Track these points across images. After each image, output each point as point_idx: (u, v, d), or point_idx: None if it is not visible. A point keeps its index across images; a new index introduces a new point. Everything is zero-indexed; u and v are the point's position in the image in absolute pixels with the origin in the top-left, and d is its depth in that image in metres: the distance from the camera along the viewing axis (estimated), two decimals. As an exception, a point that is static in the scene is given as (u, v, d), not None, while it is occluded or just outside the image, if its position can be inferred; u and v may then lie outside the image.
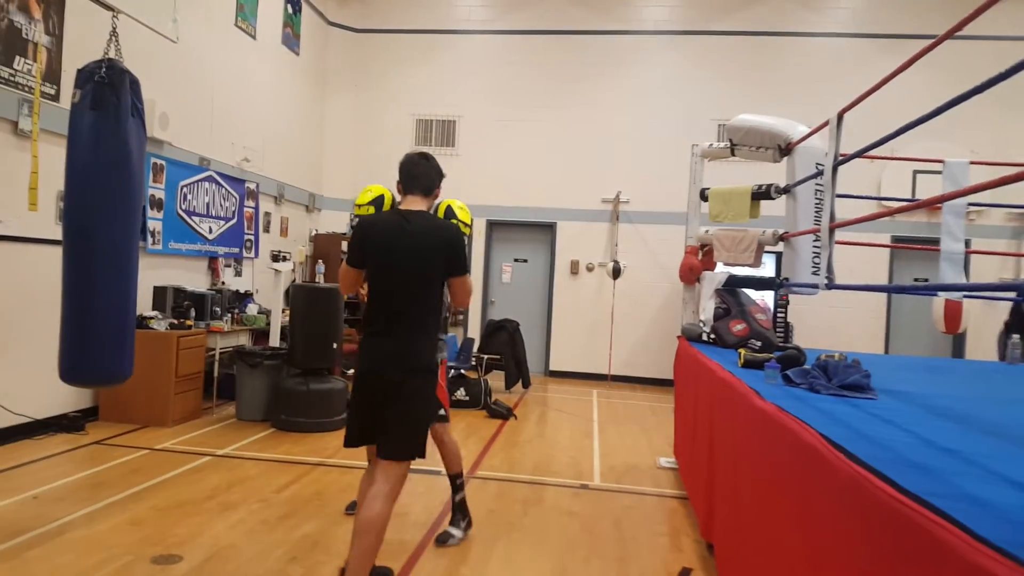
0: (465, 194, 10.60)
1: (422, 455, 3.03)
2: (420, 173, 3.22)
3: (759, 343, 4.30)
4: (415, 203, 3.19)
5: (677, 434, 5.55)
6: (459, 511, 4.01)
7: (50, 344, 5.07)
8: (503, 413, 7.39)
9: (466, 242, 3.28)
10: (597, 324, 10.46)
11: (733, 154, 5.53)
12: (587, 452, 6.12)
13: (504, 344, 9.05)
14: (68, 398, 5.88)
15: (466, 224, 3.43)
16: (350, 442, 3.09)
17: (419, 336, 3.03)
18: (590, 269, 10.59)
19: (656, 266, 10.29)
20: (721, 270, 5.64)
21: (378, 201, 3.59)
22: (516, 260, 11.02)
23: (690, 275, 5.75)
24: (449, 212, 3.41)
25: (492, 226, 10.93)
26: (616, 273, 9.88)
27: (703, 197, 5.79)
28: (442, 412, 3.95)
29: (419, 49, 10.96)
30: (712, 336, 4.97)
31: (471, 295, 3.21)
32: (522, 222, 10.82)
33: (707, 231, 5.81)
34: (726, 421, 3.26)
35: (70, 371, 3.51)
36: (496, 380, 8.94)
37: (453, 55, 10.89)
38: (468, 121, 10.86)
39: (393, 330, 3.01)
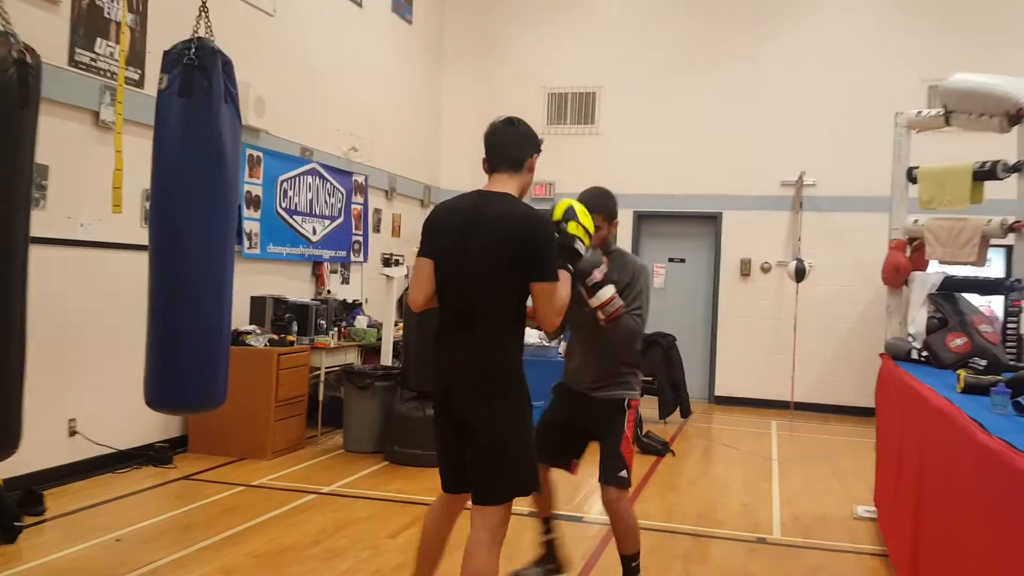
0: (607, 180, 10.53)
1: (523, 492, 3.02)
2: (504, 142, 3.13)
3: (984, 362, 4.13)
4: (500, 182, 3.11)
5: (879, 476, 5.36)
6: None
7: (135, 365, 5.49)
8: (657, 448, 7.34)
9: (579, 247, 3.13)
10: (776, 339, 10.20)
11: (948, 123, 5.32)
12: (764, 498, 6.03)
13: (657, 363, 8.96)
14: (154, 427, 6.31)
15: (587, 232, 3.18)
16: (445, 486, 3.15)
17: (498, 347, 3.01)
18: (766, 270, 10.36)
19: (852, 265, 9.91)
20: (935, 270, 5.47)
21: (569, 212, 3.22)
22: (671, 260, 10.95)
23: (896, 277, 5.60)
24: (569, 213, 3.17)
25: (640, 219, 10.90)
26: (800, 274, 9.58)
27: (911, 178, 5.63)
28: (623, 474, 3.69)
29: (550, 10, 11.11)
30: (924, 354, 4.80)
31: (561, 314, 2.98)
32: (678, 213, 10.73)
33: (917, 221, 5.62)
34: (939, 460, 3.12)
35: (157, 396, 3.75)
36: (648, 407, 8.86)
37: (590, 14, 10.97)
38: (610, 93, 10.89)
39: (466, 338, 3.01)
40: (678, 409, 9.06)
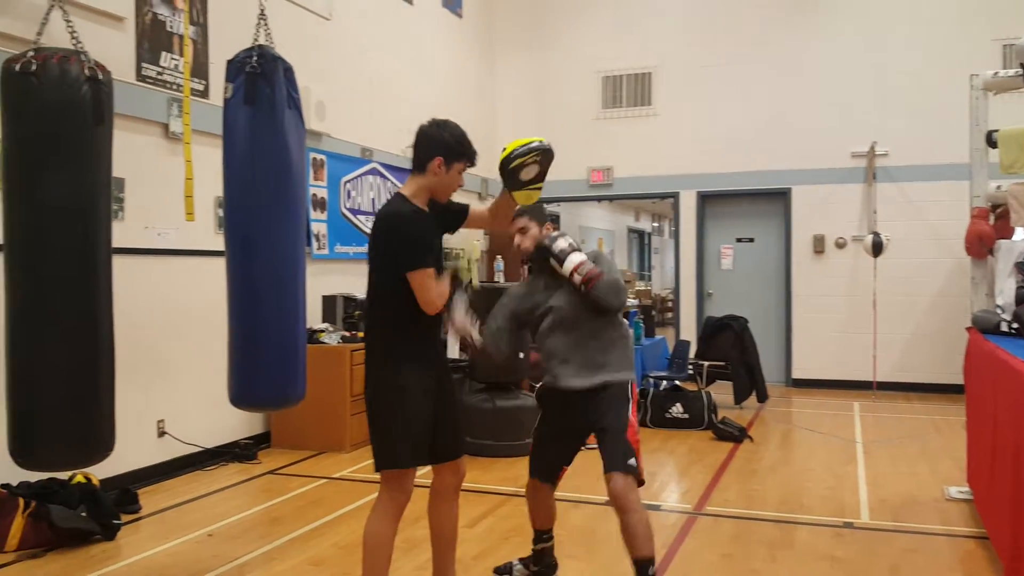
0: (667, 161, 10.66)
1: (388, 465, 3.30)
2: (414, 144, 3.39)
3: (1081, 331, 3.99)
4: (406, 183, 3.41)
5: (971, 456, 5.25)
6: None
7: (218, 366, 5.68)
8: (734, 434, 7.29)
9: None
10: (855, 317, 10.02)
11: (1028, 82, 5.21)
12: (850, 481, 5.95)
13: (730, 347, 8.89)
14: (239, 424, 6.57)
15: (511, 156, 3.28)
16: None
17: (374, 337, 3.36)
18: (841, 245, 10.20)
19: (931, 236, 9.70)
20: (1022, 237, 5.37)
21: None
22: (739, 240, 10.84)
23: (979, 246, 5.49)
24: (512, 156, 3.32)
25: (704, 199, 10.83)
26: (877, 249, 9.39)
27: (991, 142, 5.48)
28: (632, 461, 3.51)
29: (602, -10, 11.08)
30: (1014, 325, 4.72)
31: (440, 301, 3.25)
32: (744, 191, 10.61)
33: (999, 187, 5.48)
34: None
35: (241, 394, 3.91)
36: (722, 393, 8.81)
37: (643, -7, 10.91)
38: (666, 72, 10.81)
39: (365, 323, 3.50)
40: (754, 394, 8.98)
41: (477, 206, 3.74)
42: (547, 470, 3.88)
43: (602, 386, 3.64)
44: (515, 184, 3.32)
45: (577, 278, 3.57)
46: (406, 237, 3.22)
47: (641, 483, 3.57)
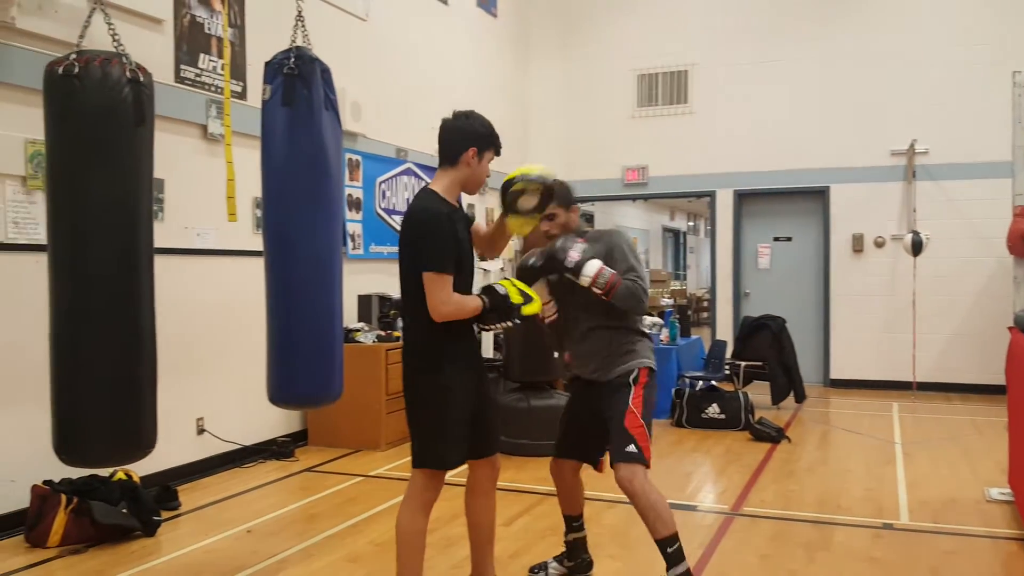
0: (703, 159, 10.62)
1: (432, 466, 3.32)
2: (441, 138, 3.36)
3: None
4: (436, 177, 3.39)
5: (1013, 457, 5.18)
6: None
7: (256, 364, 5.76)
8: (771, 435, 7.24)
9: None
10: (894, 316, 9.93)
11: (1074, 77, 5.14)
12: (889, 482, 5.89)
13: (767, 347, 8.84)
14: (276, 422, 6.66)
15: (514, 179, 3.33)
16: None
17: (414, 335, 3.35)
18: (880, 244, 10.10)
19: (972, 235, 9.58)
20: None
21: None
22: (776, 239, 10.77)
23: (1022, 245, 5.44)
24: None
25: (741, 198, 10.77)
26: (917, 248, 9.29)
27: None
28: (631, 448, 3.53)
29: (637, -11, 11.06)
30: None
31: (444, 308, 3.17)
32: (782, 190, 10.54)
33: None
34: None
35: (279, 392, 3.95)
36: (759, 393, 8.76)
37: (679, -10, 10.87)
38: (703, 69, 10.77)
39: (403, 320, 3.48)
40: (792, 394, 8.92)
41: (478, 223, 3.71)
42: (565, 448, 3.95)
43: (619, 375, 3.70)
44: (511, 208, 3.36)
45: (597, 291, 3.52)
46: (432, 236, 3.19)
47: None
